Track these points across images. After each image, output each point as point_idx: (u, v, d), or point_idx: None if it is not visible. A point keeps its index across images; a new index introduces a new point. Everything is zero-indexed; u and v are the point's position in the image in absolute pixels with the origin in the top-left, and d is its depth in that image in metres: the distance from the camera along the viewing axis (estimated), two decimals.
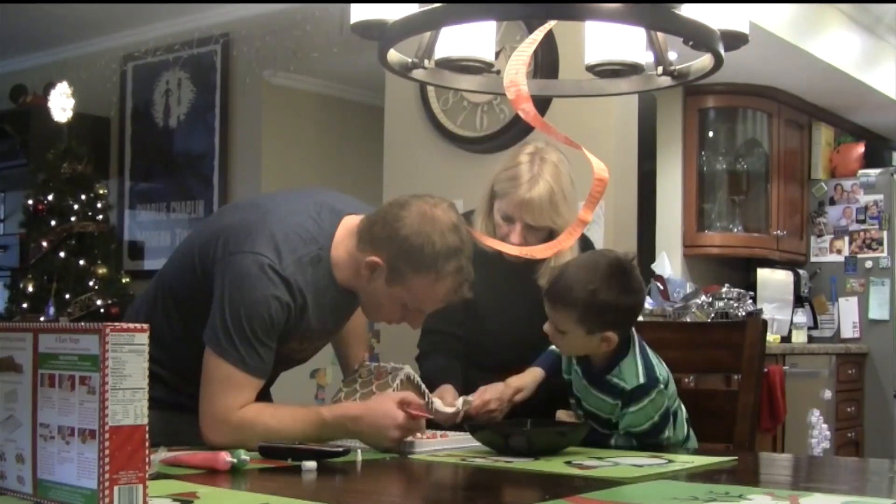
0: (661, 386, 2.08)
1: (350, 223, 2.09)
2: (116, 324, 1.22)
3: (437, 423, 2.25)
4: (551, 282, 2.13)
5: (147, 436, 1.23)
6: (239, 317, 1.93)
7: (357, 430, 1.96)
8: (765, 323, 2.50)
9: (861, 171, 6.32)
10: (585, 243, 2.64)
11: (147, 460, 1.22)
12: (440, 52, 1.72)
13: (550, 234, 2.44)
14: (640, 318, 2.22)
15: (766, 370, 4.57)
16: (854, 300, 6.19)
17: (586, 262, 2.16)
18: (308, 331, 2.08)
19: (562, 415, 2.28)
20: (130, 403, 1.21)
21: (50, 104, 5.30)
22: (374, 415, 1.96)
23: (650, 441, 2.08)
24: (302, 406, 2.03)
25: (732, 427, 2.38)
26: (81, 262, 5.25)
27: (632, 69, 1.71)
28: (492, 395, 2.30)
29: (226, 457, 1.66)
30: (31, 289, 5.21)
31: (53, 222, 5.26)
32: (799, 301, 6.10)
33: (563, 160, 2.48)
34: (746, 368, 2.41)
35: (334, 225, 2.09)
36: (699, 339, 2.63)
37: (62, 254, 5.24)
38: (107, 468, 1.19)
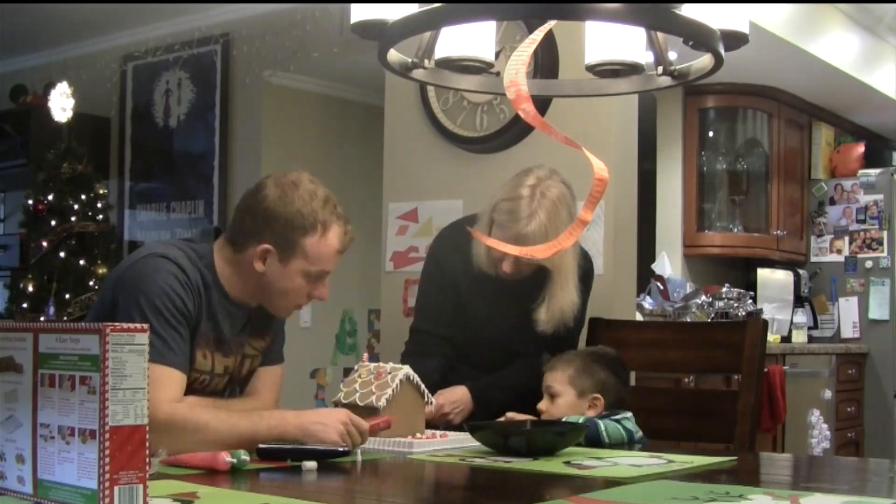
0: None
1: (219, 243, 2.12)
2: (117, 324, 1.22)
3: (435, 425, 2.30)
4: (552, 357, 2.38)
5: (147, 436, 1.23)
6: (143, 310, 1.92)
7: (295, 433, 1.91)
8: (765, 323, 2.50)
9: (861, 171, 6.32)
10: (586, 261, 2.71)
11: (147, 460, 1.22)
12: (440, 52, 1.72)
13: (541, 268, 2.50)
14: (640, 318, 2.25)
15: (766, 370, 4.57)
16: (854, 300, 6.18)
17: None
18: (209, 335, 2.06)
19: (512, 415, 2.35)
20: (131, 403, 1.21)
21: (50, 104, 5.30)
22: (320, 414, 1.96)
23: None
24: (243, 412, 2.01)
25: (733, 427, 2.39)
26: (81, 262, 5.24)
27: (632, 69, 1.71)
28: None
29: (225, 457, 1.66)
30: (31, 289, 5.20)
31: (53, 222, 5.25)
32: (799, 301, 6.10)
33: (565, 195, 2.47)
34: (747, 368, 2.43)
35: (207, 244, 2.12)
36: (699, 339, 2.63)
37: (62, 254, 5.24)
38: (107, 468, 1.19)
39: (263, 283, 2.06)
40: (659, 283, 5.31)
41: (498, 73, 1.77)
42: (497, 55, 1.80)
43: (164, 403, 1.85)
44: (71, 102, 5.28)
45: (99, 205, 5.41)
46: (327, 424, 1.91)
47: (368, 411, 2.08)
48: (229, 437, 1.86)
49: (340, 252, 2.09)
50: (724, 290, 5.27)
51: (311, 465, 1.74)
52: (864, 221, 6.21)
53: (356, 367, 2.26)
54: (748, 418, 2.39)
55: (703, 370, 2.82)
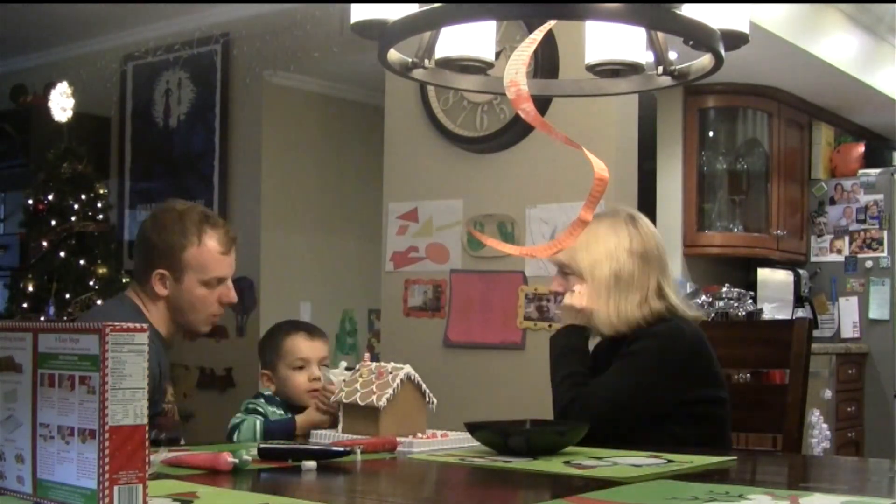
0: None
1: (131, 287, 2.29)
2: (116, 324, 1.22)
3: None
4: None
5: (147, 435, 1.23)
6: None
7: None
8: (811, 322, 2.61)
9: (861, 171, 6.32)
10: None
11: (147, 460, 1.22)
12: (440, 52, 1.72)
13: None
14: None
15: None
16: (854, 300, 6.18)
17: None
18: (167, 372, 2.23)
19: None
20: (130, 403, 1.21)
21: (50, 104, 5.29)
22: None
23: None
24: None
25: (781, 419, 2.50)
26: (81, 262, 5.24)
27: (632, 69, 1.71)
28: None
29: (228, 457, 1.66)
30: (31, 289, 5.20)
31: (53, 222, 5.25)
32: (799, 301, 6.10)
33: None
34: (795, 364, 2.52)
35: (125, 294, 2.30)
36: (749, 337, 2.76)
37: (62, 254, 5.23)
38: (107, 468, 1.18)
39: (172, 305, 2.21)
40: None
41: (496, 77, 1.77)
42: (497, 55, 1.80)
43: None
44: (71, 102, 5.27)
45: (99, 205, 5.40)
46: None
47: (369, 411, 2.08)
48: None
49: (224, 253, 2.22)
50: (724, 289, 5.27)
51: (311, 465, 1.74)
52: (864, 221, 6.20)
53: (357, 367, 2.26)
54: (797, 411, 2.50)
55: (752, 366, 2.95)
